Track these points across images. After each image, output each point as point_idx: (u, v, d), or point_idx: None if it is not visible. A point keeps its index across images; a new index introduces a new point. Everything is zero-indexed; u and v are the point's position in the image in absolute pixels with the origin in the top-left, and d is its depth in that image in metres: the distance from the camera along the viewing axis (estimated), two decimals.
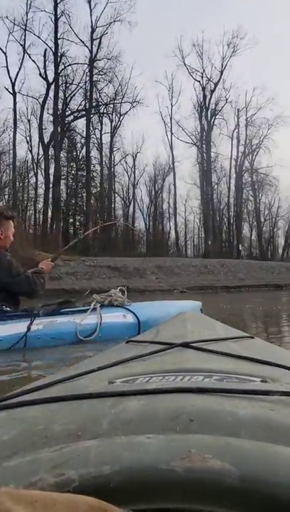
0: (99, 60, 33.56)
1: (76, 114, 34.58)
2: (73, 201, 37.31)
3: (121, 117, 37.21)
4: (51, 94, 32.76)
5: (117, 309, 3.72)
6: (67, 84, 33.78)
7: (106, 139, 37.54)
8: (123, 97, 36.44)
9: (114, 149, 38.18)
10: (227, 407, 0.50)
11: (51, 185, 32.34)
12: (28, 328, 3.29)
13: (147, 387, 0.61)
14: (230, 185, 40.89)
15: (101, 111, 36.21)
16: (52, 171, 33.62)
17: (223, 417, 0.47)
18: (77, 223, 36.78)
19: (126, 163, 40.02)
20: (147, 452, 0.38)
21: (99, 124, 37.18)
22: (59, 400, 0.58)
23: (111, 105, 36.30)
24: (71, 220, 38.03)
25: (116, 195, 39.99)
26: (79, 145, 36.71)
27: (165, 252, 34.81)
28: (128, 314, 3.69)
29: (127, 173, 40.27)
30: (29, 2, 30.92)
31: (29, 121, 35.08)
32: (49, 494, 0.32)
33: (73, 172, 37.43)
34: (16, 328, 3.29)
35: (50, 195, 32.48)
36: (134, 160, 39.96)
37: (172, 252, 38.83)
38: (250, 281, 24.90)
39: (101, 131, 37.34)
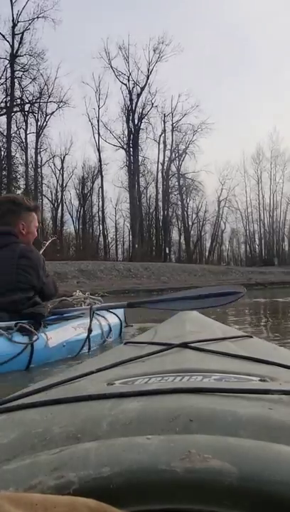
0: (21, 55, 32.37)
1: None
2: None
3: (48, 117, 36.16)
4: None
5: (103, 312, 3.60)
6: None
7: (31, 138, 36.25)
8: (49, 97, 35.42)
9: (41, 150, 37.09)
10: (227, 406, 0.50)
11: None
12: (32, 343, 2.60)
13: (146, 388, 0.61)
14: (158, 189, 41.12)
15: (26, 109, 34.85)
16: None
17: (222, 416, 0.47)
18: None
19: (54, 164, 38.99)
20: (147, 453, 0.38)
21: (24, 123, 35.83)
22: (58, 402, 0.57)
23: (37, 104, 35.10)
24: None
25: (43, 197, 38.72)
26: (0, 144, 34.99)
27: (94, 255, 34.10)
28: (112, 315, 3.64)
29: (55, 175, 39.25)
30: None
31: None
32: (49, 497, 0.32)
33: None
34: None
35: None
36: (62, 162, 39.01)
37: (101, 255, 38.27)
38: (173, 284, 24.84)
39: (26, 130, 36.03)
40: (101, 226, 39.92)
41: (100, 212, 39.93)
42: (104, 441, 0.42)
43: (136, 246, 37.36)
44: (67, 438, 0.45)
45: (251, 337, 1.25)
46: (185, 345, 0.95)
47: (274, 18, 58.77)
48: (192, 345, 0.95)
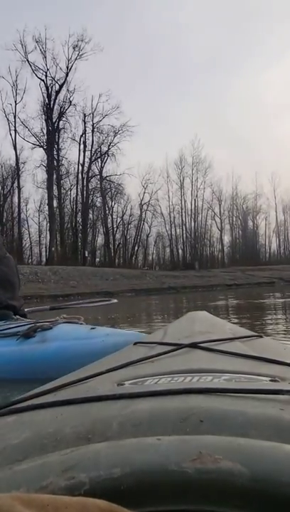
0: None
1: None
2: None
3: None
4: None
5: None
6: None
7: None
8: None
9: None
10: (237, 407, 0.50)
11: None
12: None
13: (156, 388, 0.60)
14: (78, 191, 39.88)
15: None
16: None
17: (233, 417, 0.47)
18: None
19: None
20: (157, 454, 0.38)
21: None
22: (68, 403, 0.58)
23: None
24: None
25: None
26: None
27: (20, 259, 32.11)
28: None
29: None
30: None
31: None
32: (60, 498, 0.31)
33: None
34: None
35: None
36: None
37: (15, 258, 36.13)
38: (82, 288, 23.73)
39: None
40: (18, 228, 37.87)
41: (16, 214, 37.94)
42: (115, 442, 0.42)
43: (53, 249, 35.87)
44: (78, 439, 0.45)
45: (261, 337, 1.23)
46: (194, 346, 0.95)
47: (203, 21, 59.70)
48: (201, 345, 0.95)
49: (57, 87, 37.21)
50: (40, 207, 39.77)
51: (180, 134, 67.43)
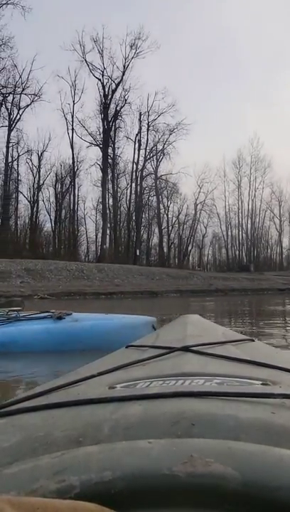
0: None
1: None
2: None
3: (21, 111, 34.81)
4: None
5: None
6: None
7: (4, 132, 34.95)
8: (23, 89, 34.08)
9: (14, 144, 35.88)
10: (228, 410, 0.50)
11: None
12: None
13: (148, 391, 0.61)
14: (132, 190, 39.85)
15: None
16: None
17: (224, 420, 0.47)
18: None
19: (31, 161, 37.62)
20: (148, 457, 0.38)
21: None
22: (59, 406, 0.58)
23: (6, 96, 33.74)
24: None
25: (19, 194, 37.42)
26: None
27: (74, 256, 32.77)
28: None
29: (32, 172, 37.89)
30: None
31: None
32: (50, 501, 0.31)
33: None
34: None
35: None
36: (39, 159, 37.68)
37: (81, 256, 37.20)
38: (126, 287, 23.51)
39: None
40: (72, 225, 38.51)
41: (71, 212, 38.61)
42: (106, 445, 0.42)
43: (104, 247, 36.05)
44: (69, 442, 0.45)
45: (253, 340, 1.24)
46: (186, 349, 0.95)
47: (265, 24, 57.81)
48: (193, 348, 0.95)
49: (113, 86, 37.33)
50: (97, 205, 40.28)
51: (239, 133, 65.88)
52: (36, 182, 38.23)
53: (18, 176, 37.63)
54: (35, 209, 38.00)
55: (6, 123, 35.08)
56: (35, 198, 38.36)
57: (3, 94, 33.94)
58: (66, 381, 0.75)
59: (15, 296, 19.51)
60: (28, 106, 34.91)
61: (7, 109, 35.04)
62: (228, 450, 0.38)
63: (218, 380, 0.67)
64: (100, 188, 37.60)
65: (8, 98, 34.50)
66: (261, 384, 0.66)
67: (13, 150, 36.46)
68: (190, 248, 43.95)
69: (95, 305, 15.14)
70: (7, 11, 34.87)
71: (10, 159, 36.20)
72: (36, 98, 34.66)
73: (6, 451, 0.44)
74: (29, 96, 34.66)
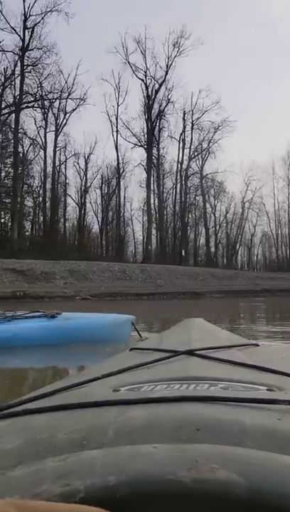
0: (31, 49, 31.85)
1: (11, 108, 32.70)
2: (6, 200, 35.26)
3: (67, 115, 35.56)
4: None
5: None
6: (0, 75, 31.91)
7: (52, 137, 35.85)
8: (69, 94, 34.79)
9: (61, 148, 36.72)
10: (234, 416, 0.50)
11: None
12: None
13: (152, 395, 0.60)
14: (177, 190, 39.52)
15: (45, 106, 34.36)
16: None
17: (229, 426, 0.47)
18: (9, 223, 34.68)
19: (78, 164, 38.36)
20: (153, 462, 0.37)
21: (43, 121, 35.47)
22: (63, 408, 0.57)
23: (52, 101, 34.58)
24: (3, 220, 36.05)
25: (67, 196, 38.31)
26: (20, 142, 34.71)
27: (120, 257, 33.12)
28: None
29: (80, 174, 38.63)
30: None
31: None
32: (55, 505, 0.31)
33: (6, 169, 35.49)
34: None
35: None
36: (86, 161, 38.33)
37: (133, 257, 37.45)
38: (168, 288, 23.27)
39: (45, 129, 35.66)
40: (118, 227, 38.79)
41: (117, 213, 38.90)
42: (110, 449, 0.41)
43: (149, 247, 35.96)
44: (73, 445, 0.45)
45: (258, 345, 1.23)
46: (191, 353, 0.94)
47: None
48: (198, 352, 0.95)
49: (156, 86, 37.24)
50: (143, 206, 40.33)
51: (287, 129, 63.40)
52: (83, 185, 38.93)
53: (65, 179, 38.49)
54: (82, 211, 38.68)
55: (53, 128, 35.96)
56: (82, 200, 39.03)
57: (49, 99, 34.77)
58: (70, 383, 0.74)
59: (59, 296, 19.74)
60: (73, 110, 35.66)
61: (54, 114, 35.94)
62: (234, 456, 0.38)
63: (223, 385, 0.66)
64: (145, 189, 37.60)
65: (55, 104, 35.33)
66: (267, 390, 0.65)
67: (60, 154, 37.33)
68: (238, 247, 42.99)
69: (134, 306, 15.02)
70: (51, 18, 35.70)
71: (57, 163, 37.07)
72: (82, 102, 35.30)
73: (10, 453, 0.44)
74: (74, 100, 35.33)
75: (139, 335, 4.21)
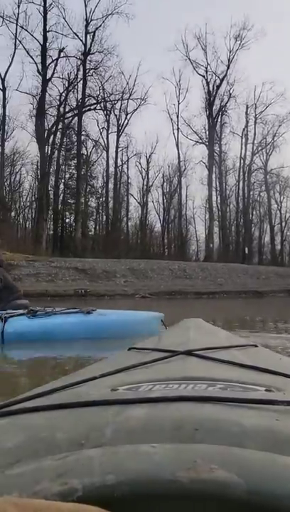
0: (92, 53, 32.47)
1: (75, 112, 33.66)
2: (71, 201, 36.34)
3: (128, 115, 36.03)
4: (51, 91, 32.13)
5: None
6: (63, 80, 32.94)
7: (114, 138, 36.50)
8: (130, 95, 35.22)
9: (123, 149, 37.28)
10: (232, 416, 0.50)
11: (37, 183, 31.61)
12: None
13: (151, 395, 0.60)
14: (239, 186, 38.64)
15: (107, 108, 35.08)
16: (51, 169, 32.96)
17: (228, 426, 0.47)
18: (73, 223, 35.70)
19: (140, 163, 38.77)
20: (152, 462, 0.37)
21: (105, 122, 36.21)
22: (62, 407, 0.57)
23: (114, 102, 35.17)
24: (68, 220, 37.15)
25: (129, 196, 38.90)
26: (83, 143, 35.68)
27: (181, 255, 33.13)
28: None
29: (141, 174, 39.05)
30: None
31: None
32: (53, 503, 0.31)
33: (71, 171, 36.56)
34: None
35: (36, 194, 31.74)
36: (148, 161, 38.66)
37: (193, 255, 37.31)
38: (229, 286, 22.81)
39: (108, 130, 36.35)
40: (179, 225, 38.65)
41: (178, 212, 38.78)
42: (109, 448, 0.41)
43: (211, 245, 35.45)
44: (71, 444, 0.45)
45: (257, 346, 1.23)
46: (189, 353, 0.94)
47: None
48: (197, 352, 0.94)
49: (218, 81, 36.61)
50: (205, 204, 39.85)
51: None
52: (145, 184, 39.18)
53: (128, 179, 38.94)
54: (144, 210, 38.96)
55: (115, 129, 36.50)
56: (144, 199, 39.31)
57: (111, 101, 35.36)
58: (68, 382, 0.74)
59: (119, 294, 19.98)
60: (134, 111, 35.94)
61: (115, 115, 36.45)
62: (232, 456, 0.38)
63: (221, 385, 0.66)
64: (207, 187, 37.12)
65: (116, 105, 35.85)
66: (265, 390, 0.65)
67: (122, 154, 37.83)
68: None
69: (192, 305, 14.79)
70: (111, 20, 36.27)
71: (119, 163, 37.62)
72: (142, 102, 35.53)
73: (8, 452, 0.44)
74: (135, 101, 35.63)
75: None
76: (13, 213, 35.21)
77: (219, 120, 37.18)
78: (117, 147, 36.76)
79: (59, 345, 4.08)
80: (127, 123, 36.37)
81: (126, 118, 36.22)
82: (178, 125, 37.46)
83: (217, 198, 37.55)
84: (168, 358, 0.92)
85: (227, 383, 0.68)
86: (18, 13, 30.26)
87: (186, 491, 0.34)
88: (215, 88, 36.64)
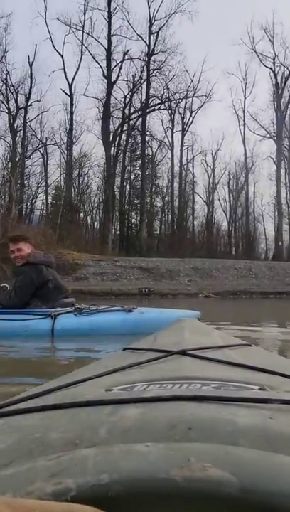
0: (156, 53, 32.57)
1: (139, 113, 34.05)
2: (136, 201, 36.79)
3: (193, 113, 35.85)
4: (116, 94, 32.74)
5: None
6: (128, 82, 33.41)
7: (178, 136, 36.45)
8: (195, 92, 35.05)
9: (188, 147, 37.06)
10: (226, 415, 0.50)
11: (103, 184, 32.29)
12: None
13: (145, 395, 0.61)
14: None
15: (165, 107, 35.14)
16: (117, 170, 33.65)
17: (222, 425, 0.47)
18: (138, 223, 36.08)
19: (206, 161, 38.46)
20: (146, 461, 0.38)
21: (170, 122, 36.32)
22: (56, 407, 0.57)
23: (179, 101, 35.11)
24: (133, 220, 37.61)
25: (195, 195, 38.72)
26: (147, 144, 36.04)
27: (248, 254, 32.54)
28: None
29: (207, 172, 38.74)
30: (86, 3, 31.15)
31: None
32: (46, 503, 0.31)
33: (136, 171, 36.96)
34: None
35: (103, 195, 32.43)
36: (213, 158, 38.25)
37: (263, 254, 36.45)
38: None
39: (172, 129, 36.41)
40: (247, 223, 37.76)
41: (245, 210, 37.90)
42: (103, 448, 0.41)
43: (280, 244, 34.24)
44: (65, 444, 0.44)
45: (251, 345, 1.24)
46: (184, 353, 0.95)
47: None
48: (191, 352, 0.95)
49: (286, 72, 35.27)
50: (274, 200, 38.52)
51: None
52: (211, 182, 38.68)
53: (193, 178, 38.65)
54: (210, 209, 38.48)
55: (180, 128, 36.40)
56: (210, 198, 38.83)
57: (176, 100, 35.31)
58: (63, 383, 0.74)
59: (182, 294, 19.90)
60: (199, 108, 35.61)
61: (180, 114, 36.35)
62: (226, 455, 0.38)
63: (215, 385, 0.66)
64: (275, 183, 35.91)
65: (181, 103, 35.74)
66: (259, 389, 0.65)
67: (187, 153, 37.64)
68: None
69: (259, 305, 14.38)
70: (175, 19, 36.14)
71: (184, 162, 37.47)
72: (207, 99, 35.12)
73: (2, 453, 0.44)
74: (200, 98, 35.29)
75: None
76: (81, 214, 36.32)
77: (288, 113, 35.83)
78: (182, 146, 36.62)
79: (102, 339, 4.36)
80: (192, 121, 36.16)
81: (190, 116, 36.05)
82: (244, 120, 36.74)
83: (286, 194, 36.30)
84: (162, 358, 0.92)
85: (220, 382, 0.68)
86: (84, 21, 31.21)
87: (180, 489, 0.34)
88: (284, 80, 35.37)
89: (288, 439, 0.43)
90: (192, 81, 34.65)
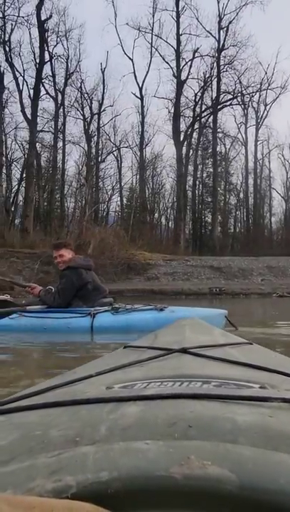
0: (226, 48, 31.90)
1: (210, 110, 33.66)
2: (209, 200, 36.36)
3: (268, 106, 34.79)
4: (186, 93, 32.63)
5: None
6: (198, 80, 33.13)
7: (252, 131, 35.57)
8: (269, 84, 34.00)
9: (263, 141, 36.07)
10: (226, 413, 0.50)
11: (175, 185, 32.26)
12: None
13: (145, 392, 0.61)
14: None
15: (237, 102, 34.37)
16: (189, 169, 33.59)
17: (222, 423, 0.47)
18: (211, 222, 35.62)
19: (283, 155, 37.20)
20: (145, 458, 0.38)
21: (243, 117, 35.56)
22: (57, 405, 0.58)
23: (252, 95, 34.22)
24: (207, 219, 37.18)
25: (271, 190, 37.59)
26: (220, 141, 35.55)
27: None
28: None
29: (285, 166, 37.45)
30: (155, 5, 31.36)
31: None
32: (47, 500, 0.32)
33: (208, 170, 36.53)
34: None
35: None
36: None
37: None
38: None
39: (246, 124, 35.62)
40: None
41: None
42: (103, 446, 0.42)
43: None
44: (66, 441, 0.45)
45: (252, 344, 1.25)
46: (184, 351, 0.96)
47: None
48: (192, 350, 0.96)
49: None
50: None
51: None
52: (289, 177, 37.19)
53: (269, 173, 37.43)
54: (289, 205, 37.00)
55: (253, 122, 35.42)
56: (289, 193, 37.35)
57: (249, 94, 34.39)
58: (64, 380, 0.74)
59: (255, 293, 19.36)
60: (274, 100, 34.39)
61: (253, 108, 35.36)
62: (225, 452, 0.38)
63: (216, 383, 0.66)
64: None
65: (254, 97, 34.75)
66: (259, 387, 0.65)
67: (262, 147, 36.51)
68: None
69: None
70: (245, 11, 35.18)
71: (259, 157, 36.39)
72: (283, 90, 33.78)
73: (2, 450, 0.44)
74: (275, 90, 34.06)
75: (234, 326, 4.80)
76: (156, 215, 36.67)
77: None
78: (256, 140, 35.63)
79: (136, 335, 4.41)
80: (267, 114, 35.09)
81: (265, 109, 34.96)
82: None
83: None
84: (163, 356, 0.92)
85: (221, 380, 0.67)
86: (153, 23, 31.29)
87: (179, 486, 0.34)
88: None
89: (288, 438, 0.43)
90: (266, 73, 33.54)
